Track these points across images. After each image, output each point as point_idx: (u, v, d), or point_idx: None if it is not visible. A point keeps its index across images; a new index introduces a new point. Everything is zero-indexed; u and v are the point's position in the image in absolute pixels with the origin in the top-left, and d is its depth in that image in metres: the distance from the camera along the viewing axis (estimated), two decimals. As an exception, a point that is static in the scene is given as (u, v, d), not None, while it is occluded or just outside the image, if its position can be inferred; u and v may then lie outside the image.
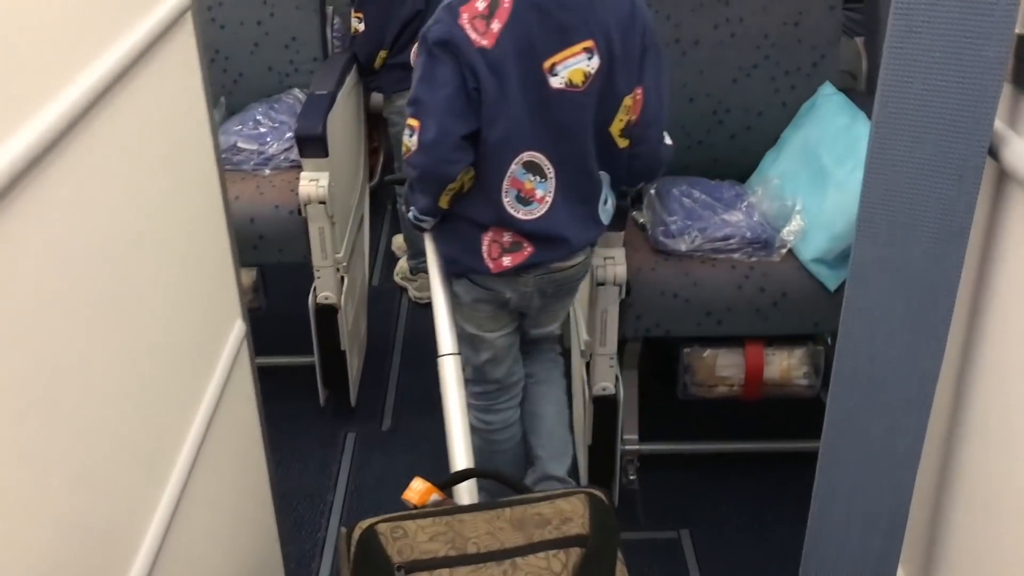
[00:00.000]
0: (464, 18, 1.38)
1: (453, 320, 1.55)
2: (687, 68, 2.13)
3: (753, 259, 1.87)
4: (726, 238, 1.87)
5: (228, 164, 2.28)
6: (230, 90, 2.49)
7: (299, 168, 2.10)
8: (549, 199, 1.50)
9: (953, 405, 1.04)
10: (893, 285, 0.97)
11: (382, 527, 1.02)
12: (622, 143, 1.53)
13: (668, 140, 1.61)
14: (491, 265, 1.54)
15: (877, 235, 0.96)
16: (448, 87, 1.39)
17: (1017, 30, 0.86)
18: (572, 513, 1.04)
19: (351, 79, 2.38)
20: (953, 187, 0.91)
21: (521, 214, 1.50)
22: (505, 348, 1.71)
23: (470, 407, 1.67)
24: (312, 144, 2.01)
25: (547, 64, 1.41)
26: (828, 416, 1.06)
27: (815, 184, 1.89)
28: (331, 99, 2.13)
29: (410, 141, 1.45)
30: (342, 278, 2.18)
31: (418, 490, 1.13)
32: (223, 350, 1.30)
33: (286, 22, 2.44)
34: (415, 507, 1.10)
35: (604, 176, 1.56)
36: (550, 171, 1.48)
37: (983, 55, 0.86)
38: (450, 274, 1.61)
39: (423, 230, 1.63)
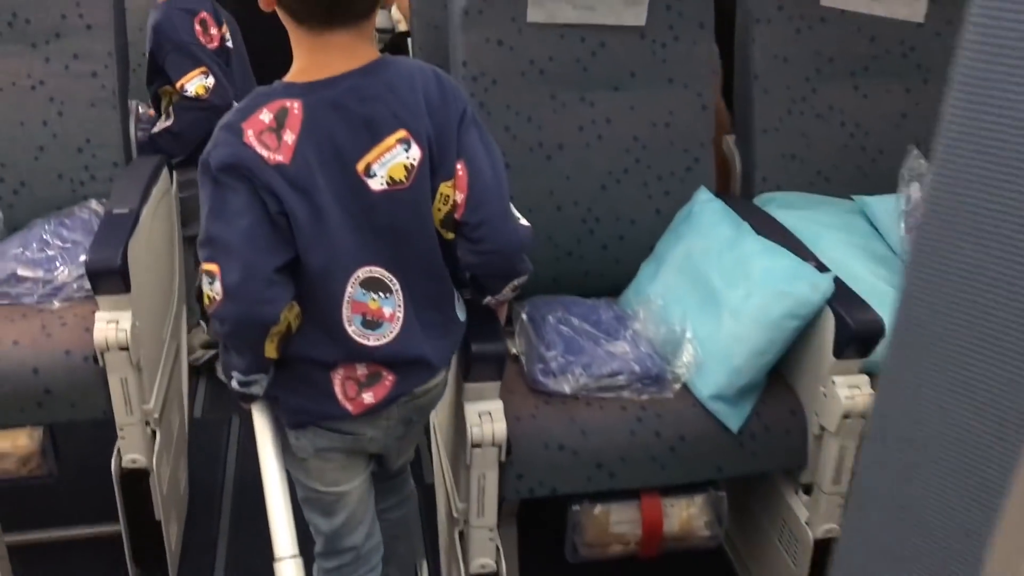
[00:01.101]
0: (249, 135, 1.16)
1: (289, 513, 1.28)
2: (552, 174, 1.91)
3: (644, 396, 1.63)
4: (613, 374, 1.63)
5: (5, 298, 1.86)
6: (9, 203, 2.07)
7: (95, 301, 1.72)
8: (400, 315, 1.28)
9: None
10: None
11: None
12: (448, 235, 1.31)
13: (523, 220, 1.40)
14: (349, 407, 1.30)
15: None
16: (246, 217, 1.16)
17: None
18: None
19: (161, 186, 2.02)
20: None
21: (372, 340, 1.26)
22: (362, 502, 1.45)
23: None
24: (109, 279, 1.64)
25: (360, 166, 1.21)
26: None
27: (706, 308, 1.68)
28: (134, 219, 1.76)
29: (212, 289, 1.18)
30: (153, 432, 1.80)
31: None
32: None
33: (78, 121, 2.05)
34: None
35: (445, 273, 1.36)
36: (394, 283, 1.27)
37: None
38: (294, 426, 1.34)
39: (253, 398, 1.32)
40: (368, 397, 1.30)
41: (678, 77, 1.92)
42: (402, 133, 1.22)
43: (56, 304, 1.86)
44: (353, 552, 1.46)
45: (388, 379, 1.30)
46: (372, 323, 1.26)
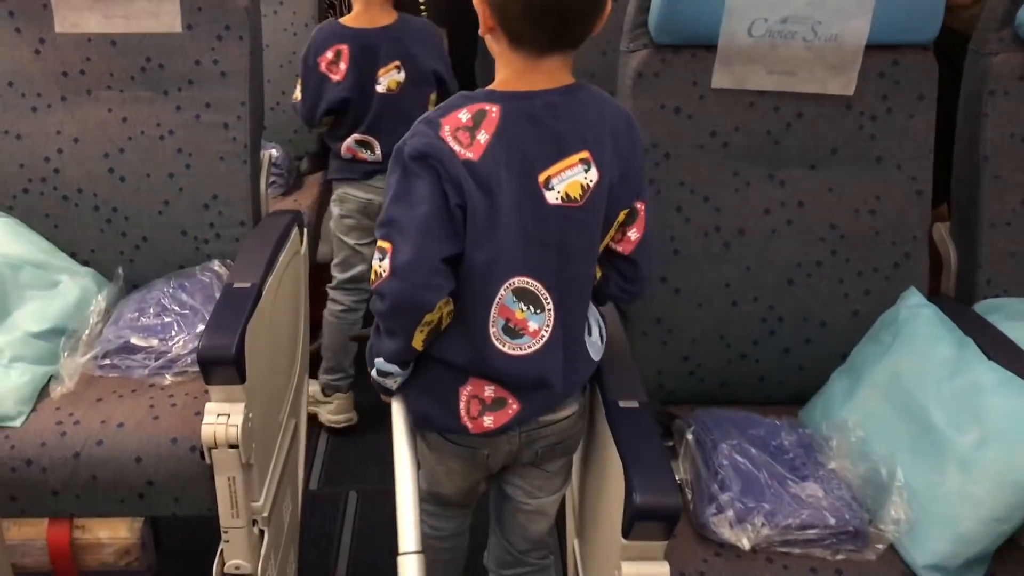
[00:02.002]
0: (445, 130, 1.21)
1: (417, 511, 1.31)
2: (730, 263, 1.62)
3: (839, 556, 1.33)
4: (802, 527, 1.33)
5: (115, 370, 1.70)
6: (130, 258, 1.93)
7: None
8: (545, 335, 1.28)
9: None
10: None
11: None
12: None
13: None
14: (469, 425, 1.32)
15: None
16: (426, 204, 1.20)
17: None
18: None
19: (289, 249, 1.83)
20: None
21: (508, 347, 1.27)
22: (467, 495, 1.52)
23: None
24: (222, 370, 1.45)
25: (542, 177, 1.23)
26: None
27: (922, 451, 1.36)
28: (255, 295, 1.57)
29: (380, 266, 1.23)
30: (261, 532, 1.60)
31: None
32: None
33: (206, 175, 1.89)
34: None
35: (590, 306, 1.37)
36: (548, 302, 1.27)
37: None
38: (421, 429, 1.40)
39: (388, 392, 1.39)
40: (488, 421, 1.31)
41: (889, 156, 1.61)
42: (584, 154, 1.24)
43: (168, 379, 1.70)
44: (445, 504, 1.54)
45: (513, 407, 1.31)
46: (513, 331, 1.27)
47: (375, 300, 1.26)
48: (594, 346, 1.36)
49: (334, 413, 2.52)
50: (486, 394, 1.30)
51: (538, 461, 1.41)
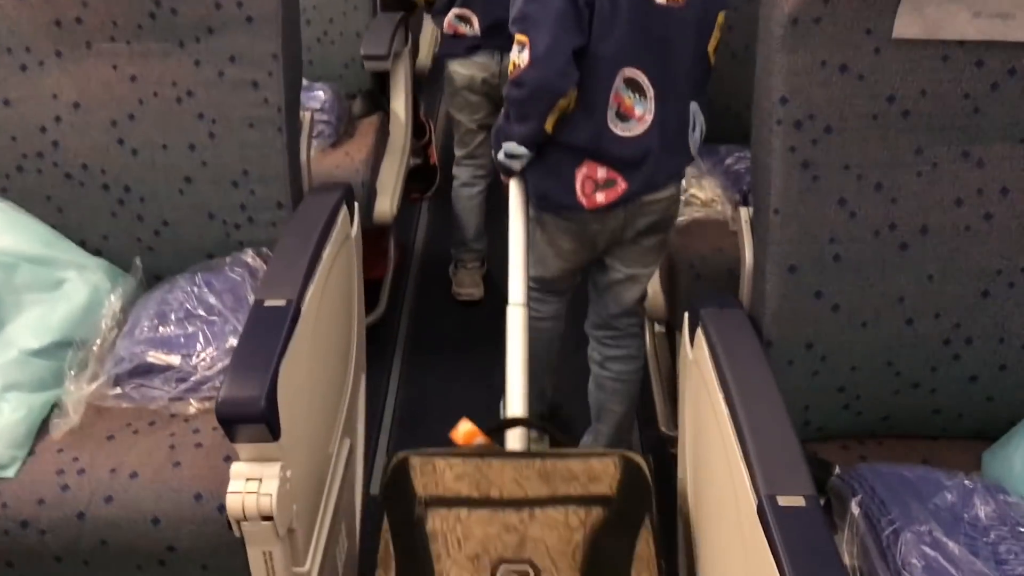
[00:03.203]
0: None
1: (527, 268, 1.48)
2: (906, 272, 1.23)
3: None
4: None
5: (128, 399, 1.40)
6: (149, 245, 1.60)
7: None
8: (649, 118, 1.48)
9: None
10: None
11: (414, 460, 1.12)
12: (711, 60, 1.54)
13: None
14: (584, 202, 1.53)
15: None
16: (558, 1, 1.38)
17: None
18: (602, 473, 1.09)
19: (337, 236, 1.49)
20: None
21: (619, 130, 1.48)
22: (567, 277, 1.72)
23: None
24: (249, 428, 1.12)
25: None
26: None
27: None
28: (291, 318, 1.24)
29: (519, 57, 1.42)
30: (310, 600, 1.31)
31: (463, 431, 1.20)
32: None
33: (235, 146, 1.54)
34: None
35: (694, 105, 1.55)
36: (649, 90, 1.47)
37: None
38: (539, 209, 1.60)
39: (512, 173, 1.59)
40: (600, 197, 1.51)
41: None
42: None
43: (192, 406, 1.40)
44: (547, 289, 1.74)
45: (621, 185, 1.50)
46: (623, 116, 1.47)
47: (512, 88, 1.44)
48: (695, 142, 1.57)
49: (458, 285, 2.54)
50: (599, 175, 1.50)
51: (637, 238, 1.60)
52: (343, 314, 1.57)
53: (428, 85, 3.36)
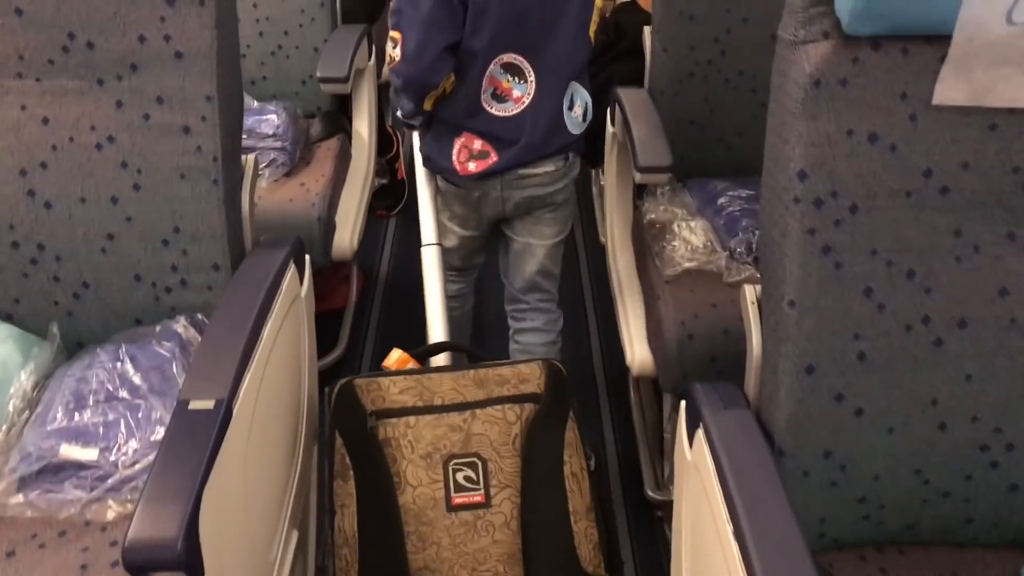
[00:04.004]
0: None
1: (435, 212, 1.68)
2: (941, 370, 1.06)
3: None
4: None
5: (34, 508, 1.20)
6: (68, 310, 1.40)
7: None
8: (526, 100, 1.57)
9: None
10: None
11: (358, 381, 1.25)
12: (589, 43, 1.60)
13: None
14: (458, 168, 1.63)
15: None
16: (432, 1, 1.45)
17: None
18: (530, 376, 1.25)
19: (284, 300, 1.30)
20: None
21: (495, 110, 1.58)
22: (466, 248, 1.81)
23: None
24: (165, 574, 0.93)
25: None
26: None
27: None
28: (221, 422, 1.05)
29: (394, 52, 1.53)
30: None
31: (396, 358, 1.33)
32: None
33: (163, 199, 1.34)
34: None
35: (575, 85, 1.62)
36: (530, 74, 1.57)
37: None
38: (426, 169, 1.72)
39: (412, 127, 1.72)
40: (472, 166, 1.62)
41: None
42: None
43: (111, 509, 1.20)
44: (451, 267, 1.82)
45: (492, 158, 1.61)
46: (500, 97, 1.57)
47: (392, 76, 1.56)
48: (574, 121, 1.62)
49: None
50: (474, 146, 1.61)
51: (528, 210, 1.70)
52: (289, 388, 1.38)
53: (395, 93, 3.15)
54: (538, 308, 1.82)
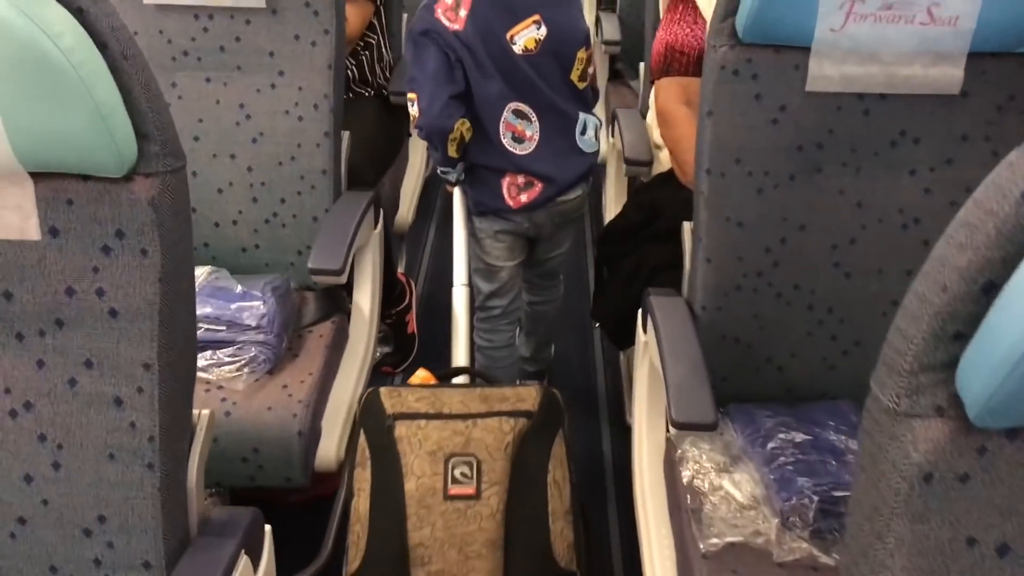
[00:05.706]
0: (439, 11, 1.84)
1: (468, 256, 2.05)
2: None
3: None
4: None
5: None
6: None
7: None
8: (537, 137, 1.91)
9: None
10: None
11: (383, 390, 1.49)
12: (581, 85, 1.96)
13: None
14: (511, 203, 1.94)
15: None
16: (434, 63, 1.83)
17: None
18: (527, 396, 1.47)
19: None
20: None
21: (518, 150, 1.91)
22: (512, 280, 2.09)
23: (477, 329, 2.12)
24: None
25: (509, 35, 1.85)
26: None
27: None
28: None
29: (413, 110, 1.86)
30: None
31: (420, 377, 1.61)
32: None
33: (86, 482, 1.08)
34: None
35: (581, 114, 1.97)
36: (533, 116, 1.90)
37: None
38: (478, 213, 2.00)
39: (451, 183, 2.02)
40: (524, 197, 1.94)
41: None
42: (536, 17, 1.87)
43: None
44: (500, 309, 2.12)
45: (537, 187, 1.94)
46: (517, 139, 1.91)
47: (418, 131, 1.88)
48: (586, 142, 1.98)
49: None
50: (520, 181, 1.94)
51: (555, 231, 2.06)
52: None
53: (410, 239, 2.94)
54: (549, 286, 2.28)
